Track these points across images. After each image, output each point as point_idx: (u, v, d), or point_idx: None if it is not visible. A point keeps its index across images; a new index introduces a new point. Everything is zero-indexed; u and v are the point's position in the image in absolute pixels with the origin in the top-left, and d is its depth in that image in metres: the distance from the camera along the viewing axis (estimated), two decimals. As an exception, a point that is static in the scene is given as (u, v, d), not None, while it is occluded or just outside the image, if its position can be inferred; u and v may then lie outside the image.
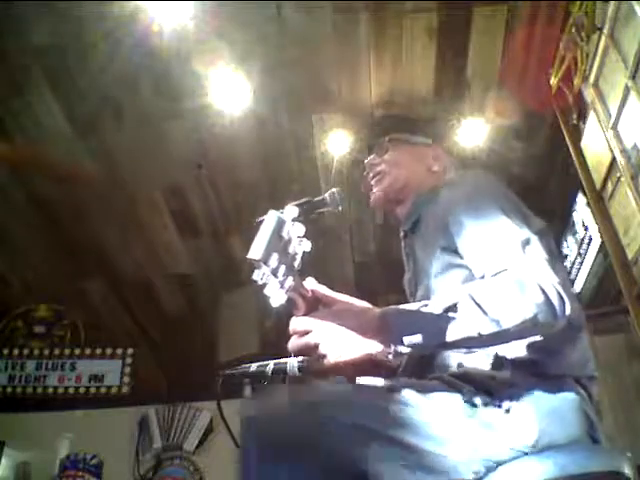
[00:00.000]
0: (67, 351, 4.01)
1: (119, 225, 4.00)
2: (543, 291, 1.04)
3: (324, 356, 1.06)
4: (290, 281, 0.91)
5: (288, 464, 0.98)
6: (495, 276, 1.11)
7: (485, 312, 1.02)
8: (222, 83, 3.05)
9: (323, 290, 1.11)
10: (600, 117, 2.69)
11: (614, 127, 2.58)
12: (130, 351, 4.04)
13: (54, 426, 3.67)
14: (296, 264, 0.94)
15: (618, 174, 2.58)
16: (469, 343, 1.07)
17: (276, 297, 0.91)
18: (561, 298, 1.04)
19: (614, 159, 2.59)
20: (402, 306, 1.11)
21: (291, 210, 0.96)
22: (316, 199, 1.50)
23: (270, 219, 0.90)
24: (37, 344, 4.14)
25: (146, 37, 2.75)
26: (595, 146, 2.81)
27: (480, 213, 1.22)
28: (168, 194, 3.85)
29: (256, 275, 0.89)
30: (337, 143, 3.47)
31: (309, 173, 3.66)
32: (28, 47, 2.88)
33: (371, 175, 1.60)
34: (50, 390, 3.86)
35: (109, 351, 4.02)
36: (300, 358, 1.38)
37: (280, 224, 0.90)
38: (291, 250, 0.93)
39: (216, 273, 4.49)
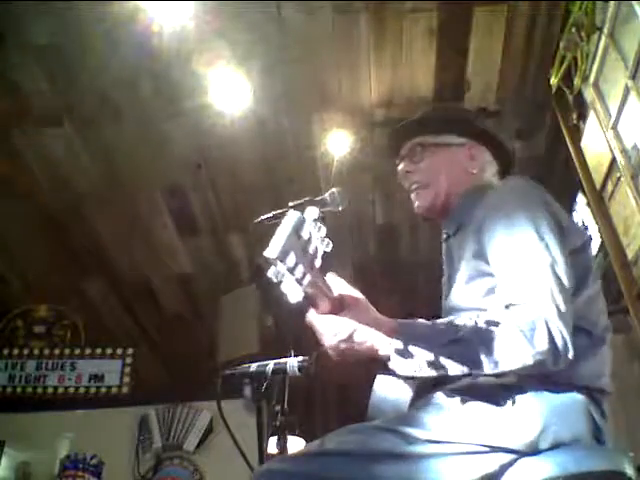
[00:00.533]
0: (67, 351, 4.00)
1: (119, 225, 4.00)
2: (551, 338, 1.04)
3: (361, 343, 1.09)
4: (308, 278, 0.91)
5: None
6: (509, 309, 1.10)
7: (488, 354, 1.04)
8: (222, 83, 3.05)
9: (347, 290, 1.12)
10: (600, 117, 2.69)
11: (614, 127, 2.58)
12: (130, 351, 4.03)
13: (54, 426, 3.66)
14: (316, 263, 0.94)
15: (618, 174, 2.58)
16: (462, 375, 1.10)
17: (293, 294, 0.90)
18: (566, 346, 1.05)
19: (614, 159, 2.59)
20: (409, 324, 1.12)
21: (312, 211, 0.96)
22: (316, 199, 1.50)
23: (290, 218, 0.90)
24: (37, 344, 4.13)
25: (146, 37, 2.75)
26: (595, 146, 2.81)
27: (513, 233, 1.20)
28: (168, 194, 3.85)
29: (271, 272, 0.89)
30: (337, 143, 3.46)
31: (309, 173, 3.65)
32: (28, 47, 2.88)
33: (409, 185, 1.54)
34: (50, 390, 3.85)
35: (109, 351, 4.01)
36: (300, 358, 1.39)
37: (300, 224, 0.90)
38: (311, 250, 0.92)
39: (216, 273, 4.49)
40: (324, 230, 0.94)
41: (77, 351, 4.01)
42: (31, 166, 3.53)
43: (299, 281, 0.89)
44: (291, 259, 0.87)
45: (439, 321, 1.13)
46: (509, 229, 1.21)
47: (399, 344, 1.07)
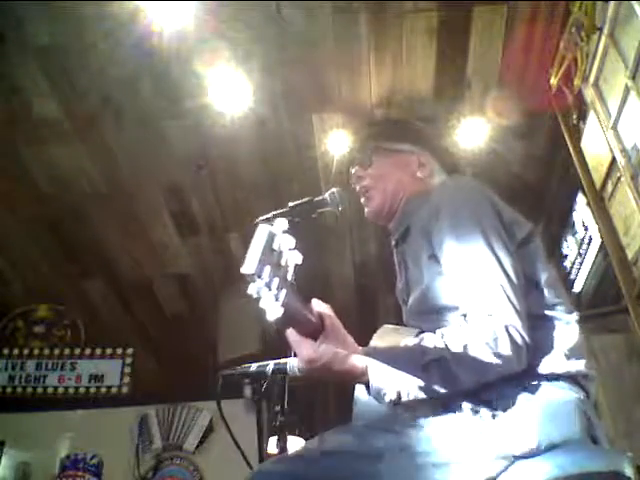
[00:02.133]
0: (67, 351, 4.01)
1: (119, 225, 4.00)
2: (513, 342, 1.07)
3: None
4: (284, 294, 0.91)
5: None
6: (468, 320, 1.13)
7: (464, 372, 1.07)
8: (222, 83, 3.05)
9: (327, 314, 1.11)
10: (600, 117, 2.69)
11: (614, 127, 2.59)
12: (130, 351, 4.04)
13: (54, 426, 3.67)
14: (289, 276, 0.94)
15: (618, 174, 2.58)
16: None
17: (272, 310, 0.91)
18: (526, 345, 1.08)
19: (614, 159, 2.60)
20: (382, 354, 1.12)
21: (281, 222, 0.96)
22: (316, 199, 1.51)
23: (261, 233, 0.90)
24: (37, 344, 4.14)
25: (146, 37, 2.75)
26: (595, 146, 2.81)
27: (461, 234, 1.21)
28: (168, 194, 3.85)
29: (251, 289, 0.89)
30: (337, 143, 3.46)
31: (309, 173, 3.65)
32: (28, 47, 2.88)
33: (358, 189, 1.58)
34: (50, 390, 3.86)
35: (109, 351, 4.02)
36: (300, 358, 1.39)
37: (271, 237, 0.91)
38: (283, 262, 0.93)
39: (216, 273, 4.49)
40: (293, 241, 0.95)
41: (77, 351, 4.02)
42: (31, 166, 3.53)
43: (276, 296, 0.89)
44: (267, 273, 0.88)
45: (410, 344, 1.14)
46: (455, 229, 1.22)
47: (377, 370, 1.08)
